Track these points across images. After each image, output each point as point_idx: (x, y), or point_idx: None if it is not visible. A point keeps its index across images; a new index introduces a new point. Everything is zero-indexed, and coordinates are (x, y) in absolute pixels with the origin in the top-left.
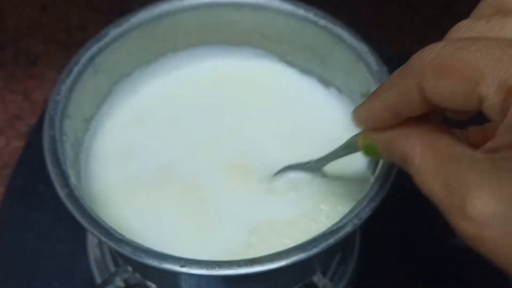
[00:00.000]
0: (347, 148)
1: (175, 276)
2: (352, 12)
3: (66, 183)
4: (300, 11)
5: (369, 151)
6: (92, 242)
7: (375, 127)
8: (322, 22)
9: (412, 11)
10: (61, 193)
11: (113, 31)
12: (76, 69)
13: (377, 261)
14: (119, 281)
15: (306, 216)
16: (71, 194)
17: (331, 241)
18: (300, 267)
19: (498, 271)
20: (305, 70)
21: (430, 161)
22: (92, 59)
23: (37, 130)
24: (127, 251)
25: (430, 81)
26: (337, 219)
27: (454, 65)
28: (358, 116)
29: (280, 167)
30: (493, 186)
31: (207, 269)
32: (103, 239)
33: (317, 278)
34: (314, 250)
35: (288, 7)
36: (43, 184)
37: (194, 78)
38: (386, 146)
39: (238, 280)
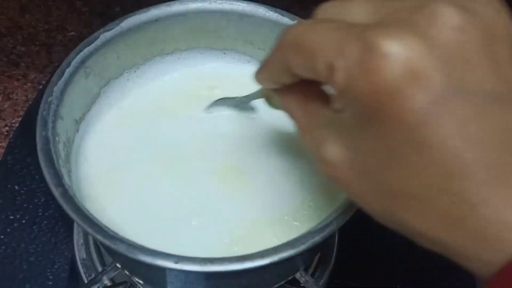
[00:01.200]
0: (261, 94)
1: (164, 272)
2: None
3: (59, 183)
4: (285, 19)
5: (270, 103)
6: (78, 242)
7: (270, 88)
8: None
9: None
10: (56, 192)
11: (104, 35)
12: (68, 71)
13: (354, 260)
14: (106, 280)
15: (289, 216)
16: (65, 193)
17: (317, 238)
18: (287, 264)
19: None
20: None
21: (304, 121)
22: (83, 61)
23: (18, 131)
24: (121, 248)
25: (289, 55)
26: (318, 221)
27: (302, 43)
28: (256, 80)
29: (265, 169)
30: (338, 139)
31: (200, 265)
32: (98, 236)
33: (299, 275)
34: (302, 247)
35: (273, 15)
36: (26, 184)
37: (181, 82)
38: (280, 103)
39: (227, 277)
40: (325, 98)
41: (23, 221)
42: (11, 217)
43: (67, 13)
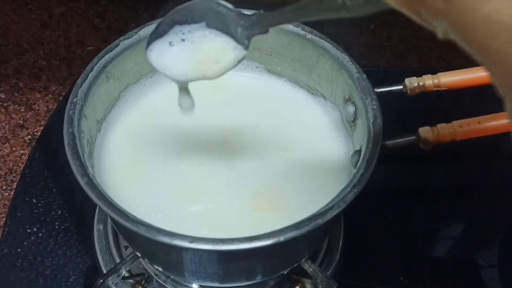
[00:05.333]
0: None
1: (181, 255)
2: (332, 31)
3: (85, 173)
4: (289, 26)
5: None
6: (98, 237)
7: None
8: (309, 36)
9: (388, 31)
10: (81, 181)
11: (123, 42)
12: (91, 75)
13: (358, 255)
14: (124, 271)
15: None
16: (90, 182)
17: (320, 221)
18: (293, 247)
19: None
20: (294, 80)
21: None
22: (104, 66)
23: (38, 144)
24: (142, 230)
25: None
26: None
27: None
28: None
29: (272, 170)
30: None
31: (213, 244)
32: (120, 220)
33: (306, 265)
34: (306, 228)
35: None
36: (43, 197)
37: (194, 85)
38: None
39: (237, 259)
40: None
41: (40, 234)
42: (29, 230)
43: (86, 29)
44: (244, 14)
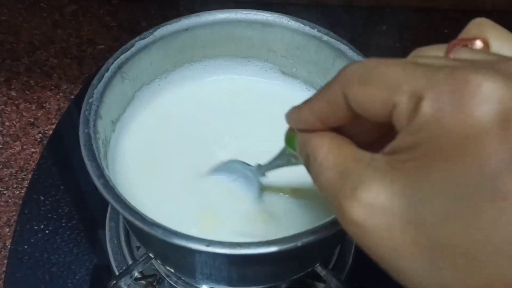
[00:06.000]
0: (282, 156)
1: (195, 258)
2: (344, 33)
3: (101, 174)
4: (306, 28)
5: (289, 142)
6: (110, 237)
7: (302, 128)
8: (325, 38)
9: (400, 33)
10: (98, 183)
11: (139, 43)
12: (107, 75)
13: (372, 263)
14: (136, 272)
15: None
16: (106, 184)
17: (337, 226)
18: (308, 252)
19: None
20: (308, 82)
21: (332, 157)
22: (120, 67)
23: (53, 137)
24: (158, 233)
25: (353, 88)
26: None
27: (375, 75)
28: (289, 117)
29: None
30: (385, 182)
31: (230, 248)
32: (137, 222)
33: (320, 269)
34: (323, 233)
35: (295, 24)
36: (51, 195)
37: (208, 87)
38: (302, 141)
39: (252, 263)
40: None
41: (47, 231)
42: (36, 227)
43: (97, 28)
44: (249, 165)
